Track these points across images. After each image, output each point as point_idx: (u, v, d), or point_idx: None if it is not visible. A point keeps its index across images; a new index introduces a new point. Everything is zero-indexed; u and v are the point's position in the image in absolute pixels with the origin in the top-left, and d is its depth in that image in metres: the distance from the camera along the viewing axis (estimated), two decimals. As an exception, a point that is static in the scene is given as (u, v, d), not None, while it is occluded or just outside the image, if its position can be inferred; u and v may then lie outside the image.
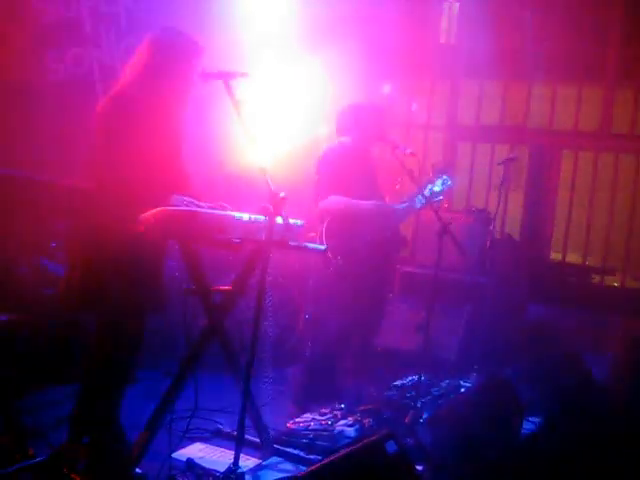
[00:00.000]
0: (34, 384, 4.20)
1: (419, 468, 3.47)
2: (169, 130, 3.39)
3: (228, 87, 3.28)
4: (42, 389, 4.22)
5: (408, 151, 4.83)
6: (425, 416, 4.17)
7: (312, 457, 3.73)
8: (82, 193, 3.43)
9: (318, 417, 4.34)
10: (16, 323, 4.12)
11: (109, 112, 3.27)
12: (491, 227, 5.79)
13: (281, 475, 3.59)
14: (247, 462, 3.58)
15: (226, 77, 3.30)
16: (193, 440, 3.85)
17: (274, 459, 3.73)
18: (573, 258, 6.79)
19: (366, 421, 4.31)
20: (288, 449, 3.83)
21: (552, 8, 6.62)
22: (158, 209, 3.01)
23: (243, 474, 3.18)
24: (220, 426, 4.10)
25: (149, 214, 3.00)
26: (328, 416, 4.37)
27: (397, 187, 5.90)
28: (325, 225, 4.50)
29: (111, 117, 3.24)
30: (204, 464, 3.43)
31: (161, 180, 3.23)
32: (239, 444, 3.16)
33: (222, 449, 3.76)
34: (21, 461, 3.15)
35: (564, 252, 6.78)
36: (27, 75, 5.01)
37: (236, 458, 3.14)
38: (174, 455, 3.38)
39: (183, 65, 3.36)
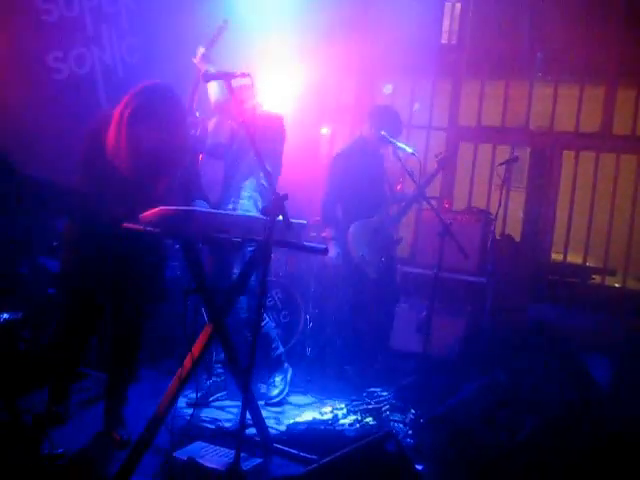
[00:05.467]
0: (35, 383, 4.20)
1: (419, 468, 3.48)
2: None
3: (229, 87, 3.29)
4: (43, 388, 4.23)
5: (409, 152, 4.85)
6: (425, 416, 4.17)
7: (313, 456, 3.72)
8: (82, 192, 3.44)
9: (319, 416, 4.36)
10: (17, 322, 4.13)
11: None
12: (492, 227, 5.79)
13: (282, 474, 3.59)
14: (248, 461, 3.57)
15: (227, 77, 3.31)
16: (194, 439, 3.85)
17: (275, 458, 3.74)
18: (574, 258, 6.78)
19: (367, 421, 4.32)
20: (289, 448, 3.83)
21: (553, 9, 6.61)
22: (158, 208, 3.02)
23: (244, 473, 3.18)
24: (221, 425, 4.11)
25: (149, 213, 3.01)
26: (329, 416, 4.38)
27: (398, 187, 5.93)
28: None
29: None
30: (205, 463, 3.43)
31: None
32: (240, 443, 3.17)
33: (223, 448, 3.76)
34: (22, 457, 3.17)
35: (565, 252, 6.78)
36: (30, 75, 5.02)
37: (237, 457, 3.14)
38: (175, 454, 3.39)
39: None
